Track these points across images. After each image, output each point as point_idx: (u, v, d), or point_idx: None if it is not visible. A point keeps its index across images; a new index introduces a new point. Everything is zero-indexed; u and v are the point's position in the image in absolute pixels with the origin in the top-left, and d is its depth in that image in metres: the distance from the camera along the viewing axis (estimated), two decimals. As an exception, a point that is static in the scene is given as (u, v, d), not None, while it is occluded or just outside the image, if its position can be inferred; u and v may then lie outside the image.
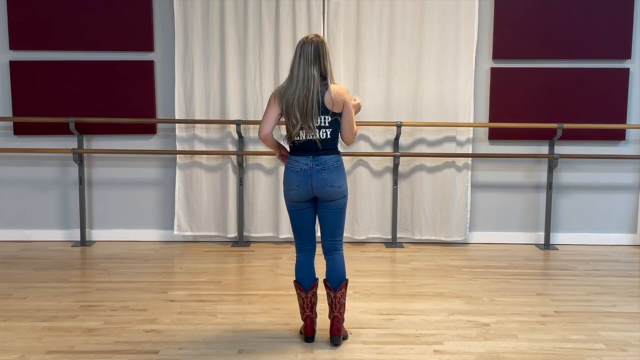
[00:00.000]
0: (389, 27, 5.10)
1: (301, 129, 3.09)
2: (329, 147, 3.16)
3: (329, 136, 3.14)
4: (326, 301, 3.28)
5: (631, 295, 4.08)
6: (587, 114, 5.22)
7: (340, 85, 3.26)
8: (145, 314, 3.63)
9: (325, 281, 3.24)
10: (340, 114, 3.15)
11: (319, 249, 3.31)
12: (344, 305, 3.23)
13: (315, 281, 3.26)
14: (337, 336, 3.19)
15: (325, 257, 3.27)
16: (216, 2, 5.06)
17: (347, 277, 3.27)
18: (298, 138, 3.13)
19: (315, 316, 3.30)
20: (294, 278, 3.31)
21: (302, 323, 3.30)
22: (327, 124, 3.13)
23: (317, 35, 3.15)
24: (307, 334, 3.23)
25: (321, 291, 3.34)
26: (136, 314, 3.63)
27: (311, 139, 3.12)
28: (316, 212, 3.25)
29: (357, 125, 3.27)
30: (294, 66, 3.11)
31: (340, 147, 3.32)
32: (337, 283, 3.21)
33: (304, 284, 3.23)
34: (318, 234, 3.27)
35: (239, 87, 5.15)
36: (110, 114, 5.18)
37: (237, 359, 3.06)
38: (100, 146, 5.31)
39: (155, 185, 5.38)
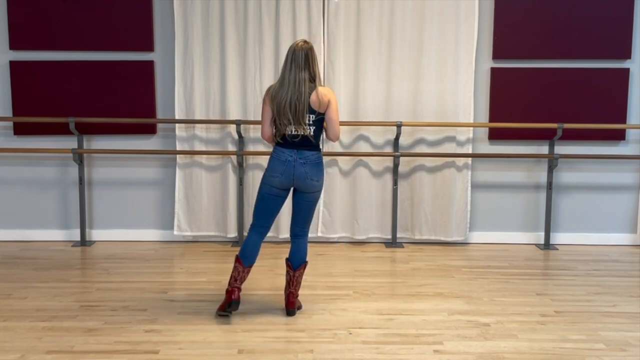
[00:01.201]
0: (389, 27, 5.10)
1: (292, 127, 3.44)
2: (312, 143, 3.51)
3: (312, 133, 3.48)
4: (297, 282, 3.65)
5: (631, 295, 4.08)
6: (587, 114, 5.22)
7: (326, 87, 3.57)
8: (145, 314, 3.63)
9: (287, 260, 3.64)
10: (324, 114, 3.48)
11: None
12: (299, 283, 3.66)
13: (252, 264, 3.59)
14: (291, 309, 3.61)
15: (291, 240, 3.67)
16: (216, 2, 5.06)
17: (307, 259, 3.68)
18: (289, 133, 3.46)
19: (241, 290, 3.58)
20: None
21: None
22: (311, 122, 3.46)
23: (306, 42, 3.46)
24: (235, 300, 3.49)
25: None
26: (136, 314, 3.63)
27: (299, 134, 3.45)
28: (284, 202, 3.62)
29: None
30: (285, 71, 3.43)
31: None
32: (297, 264, 3.62)
33: (245, 261, 3.55)
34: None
35: (239, 87, 5.15)
36: (110, 114, 5.18)
37: (237, 359, 3.06)
38: (100, 146, 5.31)
39: (155, 185, 5.39)
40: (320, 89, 3.43)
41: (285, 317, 3.60)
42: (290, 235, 3.68)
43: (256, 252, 3.59)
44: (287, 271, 3.63)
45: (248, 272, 3.58)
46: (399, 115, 5.16)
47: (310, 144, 3.48)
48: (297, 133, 3.44)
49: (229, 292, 3.51)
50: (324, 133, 3.61)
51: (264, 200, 3.57)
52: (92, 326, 3.44)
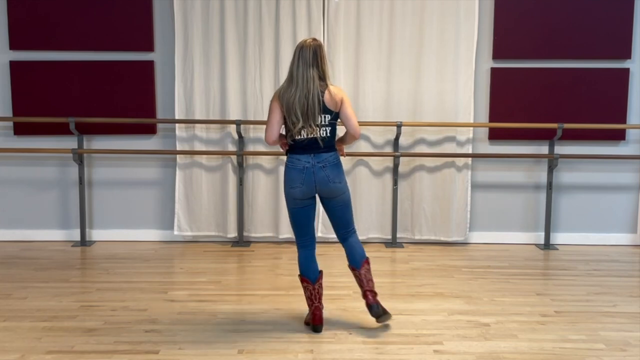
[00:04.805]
0: (389, 27, 5.10)
1: (302, 127, 3.23)
2: (328, 145, 3.31)
3: (328, 134, 3.30)
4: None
5: (631, 295, 4.08)
6: (587, 114, 5.22)
7: (336, 86, 3.39)
8: (145, 314, 3.63)
9: (349, 266, 3.44)
10: (338, 113, 3.31)
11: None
12: (371, 280, 3.40)
13: (320, 273, 3.41)
14: (373, 304, 3.33)
15: (342, 245, 3.47)
16: (216, 2, 5.06)
17: (366, 255, 3.46)
18: (300, 137, 3.26)
19: (322, 307, 3.41)
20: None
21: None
22: (326, 123, 3.28)
23: (314, 39, 3.31)
24: (316, 324, 3.36)
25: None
26: (136, 314, 3.63)
27: (312, 138, 3.26)
28: (316, 207, 3.39)
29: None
30: (293, 68, 3.26)
31: (346, 148, 3.55)
32: (358, 262, 3.41)
33: (310, 276, 3.38)
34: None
35: (239, 87, 5.15)
36: (110, 114, 5.18)
37: (237, 359, 3.06)
38: (100, 146, 5.31)
39: (155, 185, 5.38)
40: (331, 87, 3.27)
41: (286, 317, 3.59)
42: (339, 240, 3.47)
43: (315, 265, 3.40)
44: (354, 274, 3.42)
45: (320, 286, 3.38)
46: (399, 115, 5.16)
47: (326, 146, 3.28)
48: (305, 136, 3.24)
49: (312, 314, 3.37)
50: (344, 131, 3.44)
51: (295, 216, 3.36)
52: (92, 326, 3.44)
